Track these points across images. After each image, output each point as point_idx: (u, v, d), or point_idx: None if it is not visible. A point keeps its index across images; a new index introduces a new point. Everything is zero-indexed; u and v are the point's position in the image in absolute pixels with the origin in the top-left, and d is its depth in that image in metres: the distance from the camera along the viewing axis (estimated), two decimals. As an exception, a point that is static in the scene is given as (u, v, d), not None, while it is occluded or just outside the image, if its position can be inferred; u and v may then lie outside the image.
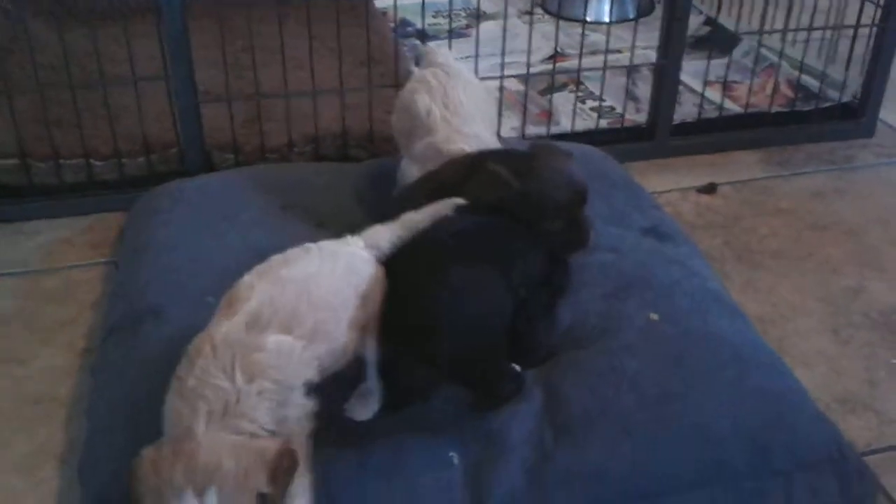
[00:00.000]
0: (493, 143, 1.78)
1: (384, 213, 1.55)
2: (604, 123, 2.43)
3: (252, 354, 1.17)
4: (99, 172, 2.12)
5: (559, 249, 1.49)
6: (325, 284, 1.28)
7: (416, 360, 1.37)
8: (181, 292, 1.61)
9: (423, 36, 2.75)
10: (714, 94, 2.48)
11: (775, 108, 2.46)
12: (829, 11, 2.43)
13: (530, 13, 2.38)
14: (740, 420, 1.41)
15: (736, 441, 1.39)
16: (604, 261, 1.70)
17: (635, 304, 1.60)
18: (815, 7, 2.43)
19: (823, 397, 1.60)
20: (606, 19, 2.95)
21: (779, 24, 2.40)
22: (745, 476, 1.38)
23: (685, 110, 2.46)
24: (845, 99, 2.49)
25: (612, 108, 2.51)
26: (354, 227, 1.79)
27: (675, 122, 2.38)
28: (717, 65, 2.50)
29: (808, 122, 2.48)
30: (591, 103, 2.52)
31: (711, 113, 2.44)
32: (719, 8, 2.87)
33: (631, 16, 2.99)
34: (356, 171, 2.04)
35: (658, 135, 2.36)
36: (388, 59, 2.28)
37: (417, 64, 2.00)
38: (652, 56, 2.37)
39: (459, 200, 1.44)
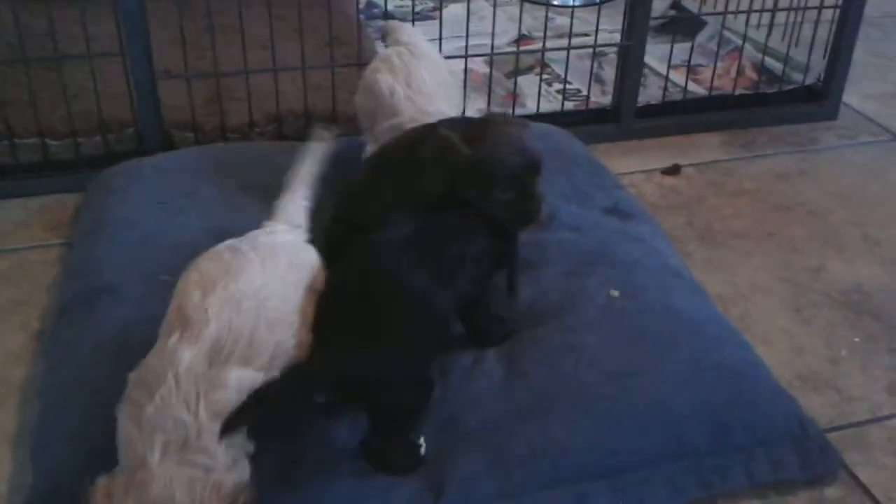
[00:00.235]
0: None
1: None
2: (569, 106, 2.42)
3: (217, 391, 1.13)
4: (55, 152, 2.08)
5: (510, 222, 1.41)
6: (277, 295, 1.23)
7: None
8: (137, 271, 1.58)
9: (389, 17, 2.73)
10: (679, 77, 2.48)
11: (739, 91, 2.47)
12: (793, -6, 2.44)
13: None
14: (700, 396, 1.41)
15: (696, 417, 1.39)
16: (565, 239, 1.69)
17: (596, 281, 1.59)
18: (779, -10, 2.44)
19: (785, 375, 1.60)
20: (572, 2, 2.95)
21: (743, 7, 2.41)
22: (706, 452, 1.38)
23: (650, 93, 2.46)
24: (809, 81, 2.50)
25: (578, 91, 2.50)
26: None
27: (639, 105, 2.37)
28: (683, 48, 2.50)
29: (772, 105, 2.48)
30: (556, 86, 2.51)
31: (676, 95, 2.44)
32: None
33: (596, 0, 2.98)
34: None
35: (623, 117, 2.35)
36: (352, 40, 2.27)
37: (383, 41, 1.98)
38: (618, 40, 2.36)
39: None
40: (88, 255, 1.68)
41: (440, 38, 2.22)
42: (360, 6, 2.70)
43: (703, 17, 2.71)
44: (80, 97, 2.09)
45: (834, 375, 1.63)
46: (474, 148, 1.38)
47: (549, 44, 2.33)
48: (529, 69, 2.60)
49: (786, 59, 2.48)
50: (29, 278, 1.81)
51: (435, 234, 1.36)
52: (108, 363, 1.37)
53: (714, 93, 2.45)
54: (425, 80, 1.77)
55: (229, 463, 1.13)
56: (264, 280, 1.22)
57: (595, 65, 2.45)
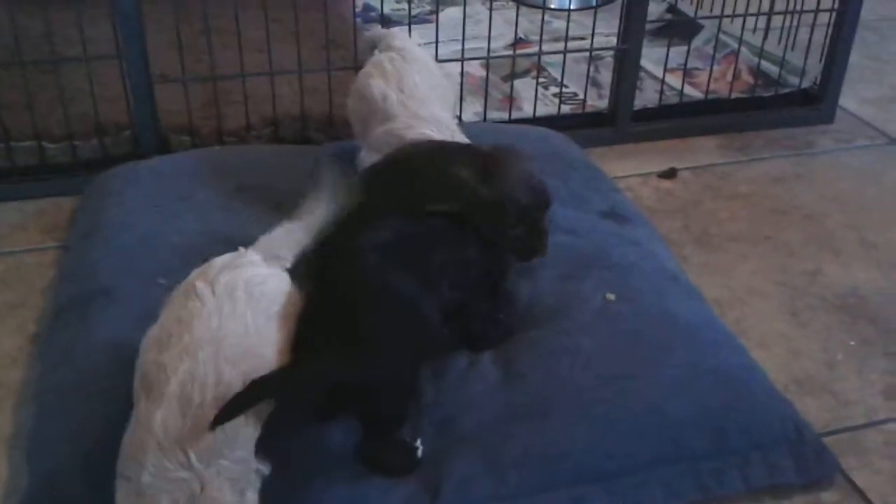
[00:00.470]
0: (451, 125, 1.77)
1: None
2: (566, 109, 2.42)
3: (201, 440, 1.11)
4: (51, 155, 2.07)
5: (516, 253, 1.48)
6: (237, 332, 1.18)
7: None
8: (133, 273, 1.58)
9: (386, 21, 2.73)
10: (675, 80, 2.48)
11: (735, 95, 2.47)
12: (790, -1, 2.44)
13: (492, -1, 2.38)
14: (696, 400, 1.41)
15: (692, 421, 1.39)
16: (561, 242, 1.69)
17: (592, 284, 1.59)
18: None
19: (781, 379, 1.60)
20: (568, 6, 2.95)
21: (740, 11, 2.41)
22: (702, 456, 1.38)
23: (647, 96, 2.46)
24: (805, 85, 2.50)
25: (575, 95, 2.50)
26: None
27: (636, 108, 2.37)
28: (679, 52, 2.50)
29: (769, 109, 2.48)
30: (553, 89, 2.52)
31: (672, 99, 2.45)
32: (682, -5, 2.87)
33: (594, 3, 2.98)
34: (315, 153, 2.02)
35: (619, 121, 2.36)
36: (349, 43, 2.26)
37: (375, 49, 1.96)
38: (614, 43, 2.36)
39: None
40: (84, 257, 1.68)
41: (436, 42, 2.22)
42: (357, 9, 2.70)
43: (700, 21, 2.72)
44: (77, 100, 2.09)
45: (830, 379, 1.63)
46: (488, 185, 1.40)
47: (545, 47, 2.34)
48: (526, 73, 2.60)
49: (782, 63, 2.49)
50: (25, 281, 1.80)
51: (420, 239, 1.35)
52: (103, 366, 1.37)
53: (710, 96, 2.46)
54: (417, 84, 1.77)
55: (238, 499, 1.14)
56: (220, 321, 1.18)
57: (591, 68, 2.46)
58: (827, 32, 2.42)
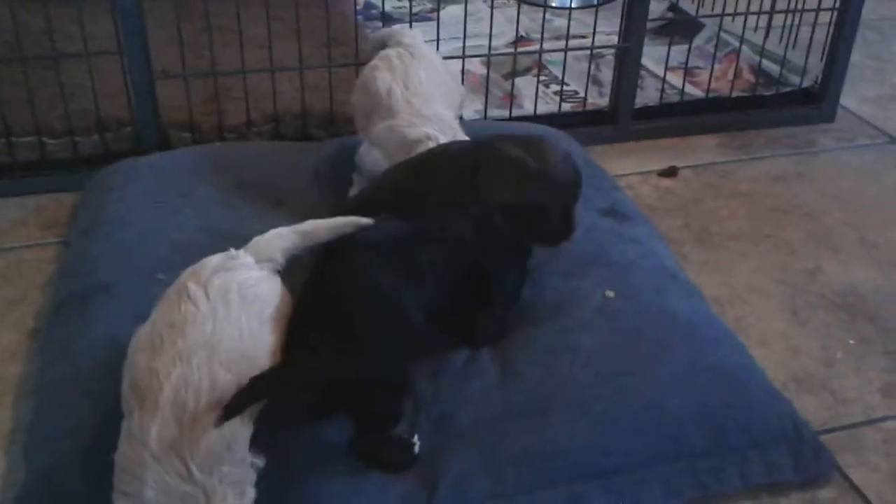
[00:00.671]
0: (454, 125, 1.77)
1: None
2: (566, 107, 2.42)
3: (200, 447, 1.10)
4: (52, 151, 2.08)
5: (548, 236, 1.48)
6: (231, 336, 1.17)
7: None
8: (133, 269, 1.58)
9: (387, 19, 2.73)
10: (676, 79, 2.48)
11: (736, 93, 2.47)
12: (791, -3, 2.44)
13: (494, -4, 2.39)
14: (695, 398, 1.41)
15: (691, 419, 1.39)
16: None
17: (592, 281, 1.60)
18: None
19: (780, 377, 1.60)
20: (569, 4, 2.95)
21: (741, 10, 2.41)
22: (700, 454, 1.38)
23: (647, 95, 2.46)
24: (806, 84, 2.50)
25: (576, 93, 2.50)
26: (313, 206, 1.80)
27: (637, 107, 2.37)
28: (680, 50, 2.50)
29: (769, 107, 2.48)
30: (554, 87, 2.52)
31: (673, 97, 2.45)
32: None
33: (595, 1, 2.98)
34: (316, 149, 2.02)
35: (620, 119, 2.35)
36: (350, 40, 2.26)
37: (385, 47, 1.95)
38: (615, 41, 2.36)
39: (363, 220, 1.34)
40: (84, 253, 1.68)
41: (437, 40, 2.22)
42: (358, 6, 2.70)
43: (701, 20, 2.72)
44: (78, 96, 2.09)
45: (828, 377, 1.63)
46: (538, 162, 1.43)
47: (546, 45, 2.33)
48: (527, 70, 2.60)
49: (783, 62, 2.49)
50: (25, 276, 1.81)
51: (414, 238, 1.35)
52: (102, 362, 1.37)
53: (711, 95, 2.45)
54: (423, 81, 1.77)
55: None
56: (214, 325, 1.17)
57: (592, 66, 2.46)
58: (828, 31, 2.42)
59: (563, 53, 2.36)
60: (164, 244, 1.64)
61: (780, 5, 2.41)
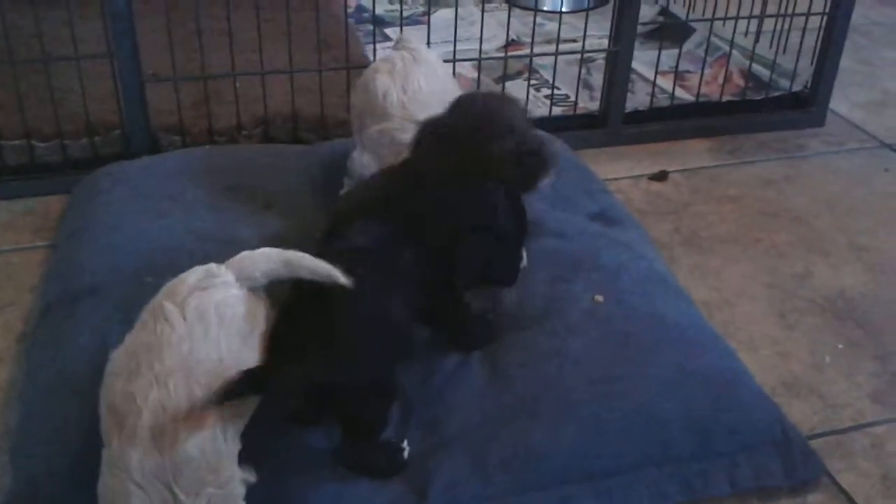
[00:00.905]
0: None
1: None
2: (557, 111, 2.42)
3: (183, 472, 1.09)
4: (41, 154, 2.07)
5: (522, 186, 1.41)
6: (210, 357, 1.15)
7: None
8: (120, 272, 1.58)
9: (378, 22, 2.73)
10: (666, 83, 2.48)
11: (726, 98, 2.47)
12: (781, 2, 2.44)
13: (485, 1, 2.37)
14: (684, 402, 1.41)
15: (679, 423, 1.39)
16: (550, 244, 1.70)
17: (581, 285, 1.60)
18: (766, -2, 2.45)
19: (769, 381, 1.60)
20: (560, 8, 2.96)
21: (731, 14, 2.42)
22: (689, 458, 1.38)
23: (638, 99, 2.46)
24: (796, 88, 2.51)
25: (566, 97, 2.51)
26: (302, 210, 1.80)
27: (627, 111, 2.37)
28: (670, 55, 2.51)
29: (759, 111, 2.49)
30: (545, 91, 2.52)
31: (663, 102, 2.45)
32: (674, -2, 2.88)
33: (586, 5, 2.99)
34: (306, 153, 2.02)
35: (610, 122, 2.36)
36: (341, 43, 2.26)
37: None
38: (606, 46, 2.37)
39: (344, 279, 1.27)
40: (72, 256, 1.68)
41: (428, 43, 2.22)
42: (350, 10, 2.70)
43: (691, 24, 2.72)
44: (68, 99, 2.09)
45: (817, 382, 1.63)
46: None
47: (537, 49, 2.34)
48: (518, 74, 2.60)
49: (773, 66, 2.49)
50: (13, 280, 1.80)
51: (393, 242, 1.33)
52: (89, 366, 1.36)
53: (701, 99, 2.46)
54: (422, 87, 1.74)
55: None
56: (191, 346, 1.14)
57: (583, 70, 2.46)
58: (818, 36, 2.43)
59: (553, 57, 2.36)
60: (153, 248, 1.64)
61: (771, 10, 2.42)
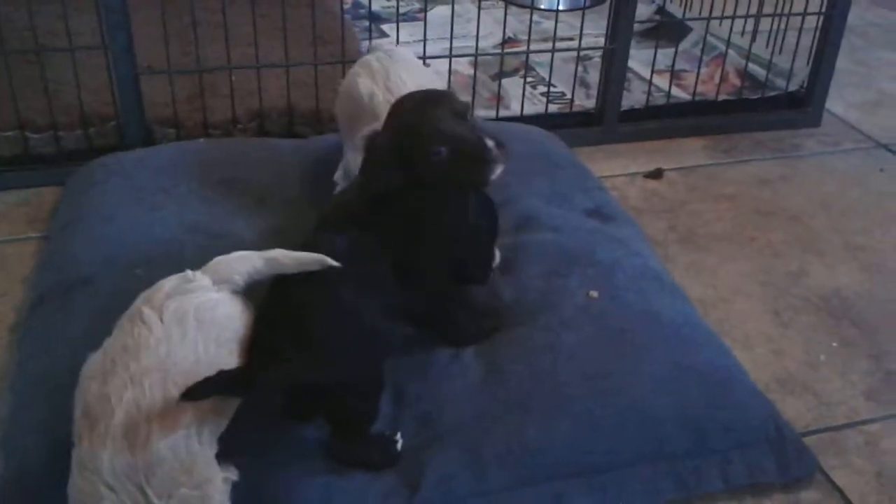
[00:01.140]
0: None
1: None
2: (553, 109, 2.42)
3: (155, 472, 1.07)
4: (35, 145, 2.06)
5: (465, 177, 1.33)
6: (187, 359, 1.14)
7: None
8: (113, 264, 1.58)
9: (375, 18, 2.73)
10: (663, 81, 2.48)
11: (722, 97, 2.47)
12: (777, 2, 2.44)
13: (482, -2, 2.38)
14: (678, 398, 1.41)
15: (673, 419, 1.39)
16: (545, 239, 1.69)
17: (575, 281, 1.59)
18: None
19: (763, 378, 1.60)
20: (557, 6, 2.96)
21: (728, 14, 2.42)
22: (683, 454, 1.38)
23: (634, 97, 2.46)
24: (792, 88, 2.51)
25: (563, 94, 2.50)
26: (296, 204, 1.79)
27: (623, 109, 2.37)
28: (667, 53, 2.50)
29: (755, 111, 2.49)
30: (541, 88, 2.51)
31: (660, 100, 2.45)
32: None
33: (582, 4, 2.99)
34: (300, 147, 2.02)
35: (606, 120, 2.36)
36: (337, 38, 2.25)
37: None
38: (602, 44, 2.36)
39: (330, 260, 1.26)
40: (65, 247, 1.67)
41: (425, 40, 2.22)
42: (346, 5, 2.70)
43: (688, 23, 2.72)
44: (62, 91, 2.08)
45: (812, 380, 1.63)
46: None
47: (533, 47, 2.34)
48: (514, 72, 2.60)
49: (769, 66, 2.49)
50: (5, 271, 1.79)
51: (369, 242, 1.32)
52: (80, 356, 1.34)
53: (697, 98, 2.46)
54: (405, 83, 1.73)
55: None
56: (169, 348, 1.13)
57: (579, 68, 2.46)
58: (814, 36, 2.43)
59: (550, 55, 2.36)
60: (146, 240, 1.63)
61: (767, 9, 2.42)
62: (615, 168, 2.25)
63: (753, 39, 2.53)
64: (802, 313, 1.79)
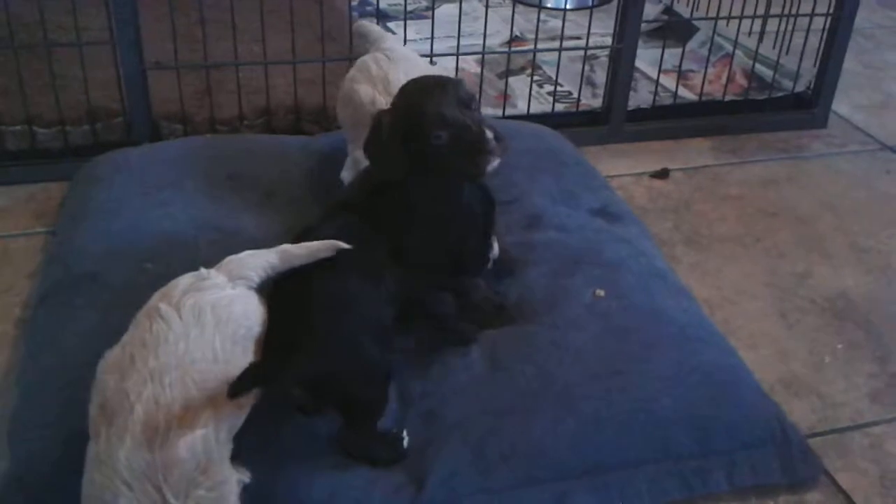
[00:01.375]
0: None
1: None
2: (560, 108, 2.42)
3: (173, 471, 1.07)
4: (42, 140, 2.07)
5: (462, 165, 1.33)
6: (206, 357, 1.14)
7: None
8: (119, 258, 1.58)
9: (382, 16, 2.73)
10: (669, 81, 2.48)
11: (729, 97, 2.47)
12: (785, 2, 2.44)
13: (489, -4, 2.38)
14: (683, 399, 1.41)
15: (678, 420, 1.39)
16: (551, 238, 1.70)
17: (581, 280, 1.59)
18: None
19: (768, 379, 1.60)
20: (564, 5, 2.95)
21: (735, 14, 2.42)
22: (688, 455, 1.38)
23: (641, 97, 2.46)
24: (799, 89, 2.51)
25: (569, 93, 2.50)
26: (302, 201, 1.80)
27: (630, 108, 2.37)
28: (674, 53, 2.50)
29: (762, 112, 2.48)
30: (548, 87, 2.51)
31: (666, 100, 2.45)
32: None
33: (590, 3, 2.99)
34: (307, 143, 2.02)
35: (613, 120, 2.36)
36: (344, 36, 2.25)
37: (366, 42, 1.91)
38: (610, 43, 2.36)
39: (341, 244, 1.28)
40: (72, 242, 1.67)
41: (432, 38, 2.22)
42: (353, 2, 2.69)
43: (695, 23, 2.72)
44: (70, 86, 2.08)
45: (817, 381, 1.63)
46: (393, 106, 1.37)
47: (540, 45, 2.34)
48: (521, 70, 2.60)
49: (776, 67, 2.49)
50: (12, 265, 1.79)
51: (362, 228, 1.34)
52: (86, 350, 1.34)
53: (704, 98, 2.46)
54: (404, 82, 1.72)
55: None
56: (188, 345, 1.13)
57: (586, 67, 2.46)
58: (822, 37, 2.43)
59: (557, 54, 2.36)
60: (152, 234, 1.63)
61: (775, 10, 2.42)
62: (621, 168, 2.25)
63: (760, 40, 2.53)
64: (808, 315, 1.79)
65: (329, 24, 2.22)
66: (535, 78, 2.50)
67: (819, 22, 2.41)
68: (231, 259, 1.26)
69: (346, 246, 1.27)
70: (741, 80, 2.56)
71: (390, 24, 2.80)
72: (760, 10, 2.43)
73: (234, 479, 1.14)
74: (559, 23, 2.38)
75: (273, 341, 1.24)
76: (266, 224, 1.72)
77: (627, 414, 1.38)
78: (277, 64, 2.14)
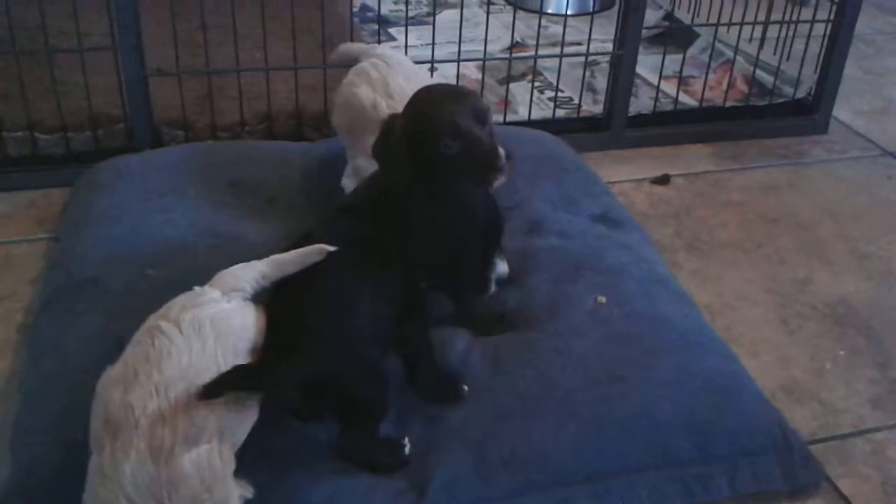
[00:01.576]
0: None
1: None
2: (561, 113, 2.42)
3: (179, 487, 1.07)
4: (44, 146, 2.07)
5: (472, 176, 1.34)
6: (209, 369, 1.14)
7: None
8: (121, 264, 1.58)
9: (383, 22, 2.73)
10: (670, 87, 2.48)
11: (730, 103, 2.47)
12: (786, 9, 2.45)
13: (489, 2, 2.37)
14: (685, 405, 1.41)
15: (680, 426, 1.39)
16: (553, 244, 1.70)
17: (583, 287, 1.59)
18: (771, 5, 2.44)
19: (770, 386, 1.60)
20: (565, 11, 2.95)
21: (736, 20, 2.43)
22: (689, 461, 1.38)
23: (641, 103, 2.47)
24: (800, 95, 2.51)
25: (570, 99, 2.50)
26: (304, 207, 1.80)
27: (630, 114, 2.38)
28: (675, 59, 2.51)
29: (762, 118, 2.49)
30: (548, 93, 2.52)
31: (667, 106, 2.45)
32: (678, 3, 2.87)
33: (591, 9, 2.99)
34: (308, 149, 2.02)
35: (614, 126, 2.36)
36: (345, 42, 2.26)
37: (356, 57, 1.89)
38: (610, 49, 2.37)
39: (328, 248, 1.29)
40: (73, 248, 1.68)
41: (433, 43, 2.22)
42: (354, 8, 2.70)
43: (696, 29, 2.72)
44: (71, 92, 2.08)
45: (818, 387, 1.63)
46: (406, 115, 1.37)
47: (541, 51, 2.34)
48: (522, 76, 2.60)
49: (777, 73, 2.49)
50: (14, 271, 1.80)
51: (364, 231, 1.34)
52: (88, 356, 1.35)
53: (705, 104, 2.46)
54: (404, 88, 1.71)
55: None
56: (191, 359, 1.13)
57: (587, 73, 2.46)
58: (822, 44, 2.43)
59: (558, 60, 2.36)
60: (154, 240, 1.64)
61: (776, 16, 2.42)
62: (622, 173, 2.25)
63: (761, 46, 2.53)
64: (809, 321, 1.79)
65: (330, 31, 2.22)
66: (536, 84, 2.50)
67: (820, 28, 2.42)
68: (223, 273, 1.26)
69: (331, 248, 1.27)
70: (742, 86, 2.56)
71: (391, 30, 2.80)
72: (761, 17, 2.44)
73: (237, 496, 1.14)
74: (560, 29, 2.38)
75: (273, 342, 1.24)
76: (267, 230, 1.72)
77: (629, 420, 1.38)
78: (279, 70, 2.14)
